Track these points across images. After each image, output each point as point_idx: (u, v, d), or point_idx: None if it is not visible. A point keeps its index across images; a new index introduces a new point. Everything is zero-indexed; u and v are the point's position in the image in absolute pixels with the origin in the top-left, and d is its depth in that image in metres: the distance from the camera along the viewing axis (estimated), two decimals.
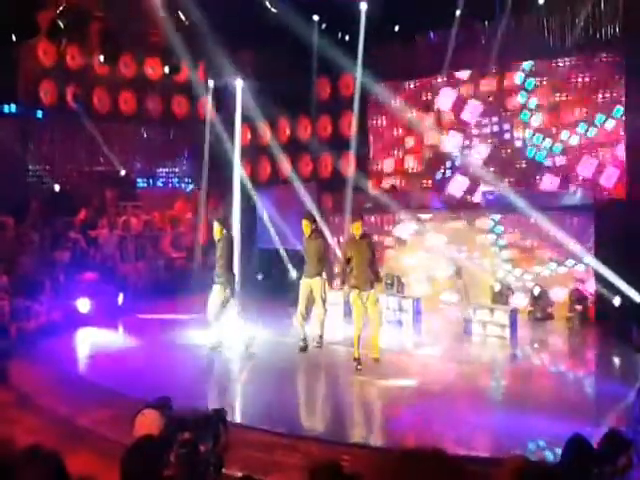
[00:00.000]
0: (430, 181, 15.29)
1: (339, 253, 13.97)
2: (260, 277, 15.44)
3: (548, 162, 13.49)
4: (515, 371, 9.75)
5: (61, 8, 13.25)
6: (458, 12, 13.64)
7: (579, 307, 11.73)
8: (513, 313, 10.92)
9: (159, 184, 17.46)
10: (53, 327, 11.29)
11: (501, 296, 12.26)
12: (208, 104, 16.12)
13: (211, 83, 16.11)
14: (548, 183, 13.44)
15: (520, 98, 13.81)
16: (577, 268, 12.12)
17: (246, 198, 15.66)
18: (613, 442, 3.83)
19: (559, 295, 12.22)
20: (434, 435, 6.94)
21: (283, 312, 11.62)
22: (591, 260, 11.68)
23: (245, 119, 15.71)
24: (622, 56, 12.45)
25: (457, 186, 14.74)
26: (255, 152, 16.78)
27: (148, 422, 3.90)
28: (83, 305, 12.10)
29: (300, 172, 15.89)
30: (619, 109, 12.52)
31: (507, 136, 14.12)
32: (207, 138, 15.78)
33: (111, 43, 14.76)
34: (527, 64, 13.73)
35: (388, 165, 16.07)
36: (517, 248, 12.85)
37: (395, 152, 15.94)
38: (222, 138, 15.57)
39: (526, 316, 11.96)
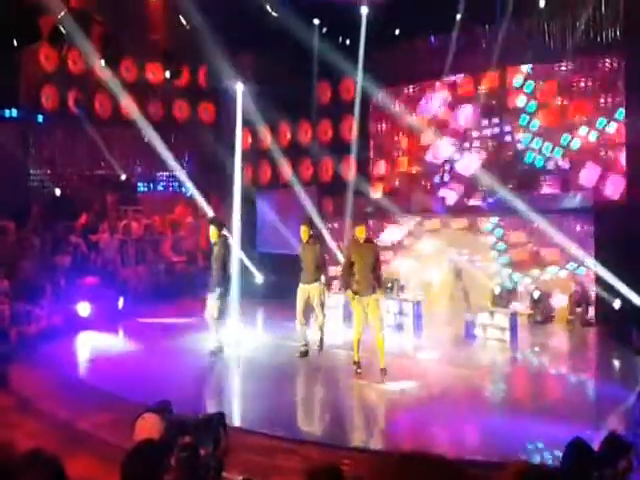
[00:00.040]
0: (430, 184, 15.30)
1: (340, 257, 14.01)
2: (260, 281, 15.44)
3: (548, 166, 13.49)
4: (515, 374, 9.76)
5: (62, 13, 13.27)
6: (459, 16, 13.66)
7: (579, 310, 11.74)
8: (513, 316, 10.92)
9: (160, 188, 17.49)
10: (54, 331, 11.30)
11: (501, 299, 12.26)
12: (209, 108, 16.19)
13: (212, 87, 16.16)
14: (548, 187, 13.43)
15: (520, 102, 13.82)
16: (577, 271, 12.12)
17: (246, 202, 15.68)
18: (613, 445, 3.83)
19: (559, 298, 12.22)
20: (434, 438, 6.94)
21: (283, 316, 11.61)
22: (591, 263, 11.68)
23: (246, 123, 15.74)
24: (623, 59, 12.45)
25: (456, 189, 14.75)
26: (256, 156, 16.80)
27: (148, 426, 3.90)
28: (84, 309, 12.11)
29: (301, 176, 15.91)
30: (621, 112, 12.50)
31: (507, 139, 14.12)
32: (208, 142, 15.80)
33: (112, 48, 14.80)
34: (528, 67, 13.74)
35: (388, 169, 16.08)
36: (517, 251, 12.86)
37: (395, 156, 15.96)
38: (223, 142, 15.60)
39: (526, 319, 11.96)
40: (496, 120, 14.25)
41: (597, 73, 12.93)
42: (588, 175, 12.89)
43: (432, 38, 15.01)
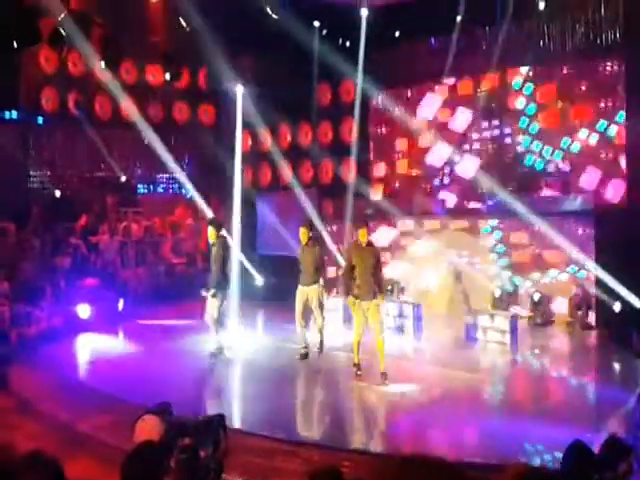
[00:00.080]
0: (430, 187, 15.30)
1: (340, 259, 14.01)
2: (260, 283, 15.43)
3: (548, 168, 13.49)
4: (515, 377, 9.76)
5: (63, 15, 13.28)
6: (459, 18, 13.68)
7: (579, 313, 11.73)
8: (513, 319, 10.91)
9: (160, 190, 17.49)
10: (54, 333, 11.29)
11: (501, 302, 12.25)
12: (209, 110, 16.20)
13: (212, 89, 16.17)
14: (548, 189, 13.43)
15: (520, 104, 13.83)
16: (577, 274, 12.12)
17: (247, 204, 15.67)
18: (613, 448, 3.82)
19: (559, 301, 12.21)
20: (434, 441, 6.94)
21: (283, 318, 11.61)
22: (591, 266, 11.68)
23: (246, 125, 15.74)
24: (623, 61, 12.45)
25: (456, 192, 14.76)
26: (256, 158, 16.79)
27: (148, 428, 3.90)
28: (83, 311, 12.11)
29: (301, 178, 15.91)
30: (621, 114, 12.49)
31: (507, 141, 14.14)
32: (208, 144, 15.80)
33: (112, 50, 14.80)
34: (527, 69, 13.75)
35: (388, 171, 16.09)
36: (517, 253, 12.85)
37: (395, 158, 15.97)
38: (223, 144, 15.61)
39: (526, 322, 11.96)
40: (496, 122, 14.26)
41: (597, 75, 12.93)
42: (589, 179, 12.89)
43: (432, 40, 15.04)
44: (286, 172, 15.92)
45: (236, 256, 13.99)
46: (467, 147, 14.71)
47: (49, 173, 15.34)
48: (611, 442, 3.89)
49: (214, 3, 13.60)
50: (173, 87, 16.22)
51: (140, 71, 15.51)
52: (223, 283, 9.82)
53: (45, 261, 13.00)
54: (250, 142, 16.77)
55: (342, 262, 13.75)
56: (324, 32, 15.22)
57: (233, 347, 10.22)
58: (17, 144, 14.59)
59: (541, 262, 12.58)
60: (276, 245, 15.15)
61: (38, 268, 12.53)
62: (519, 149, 13.91)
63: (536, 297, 12.24)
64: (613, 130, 12.64)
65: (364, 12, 14.42)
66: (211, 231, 9.89)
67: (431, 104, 15.28)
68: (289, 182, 15.66)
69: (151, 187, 17.31)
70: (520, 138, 13.88)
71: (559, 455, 3.84)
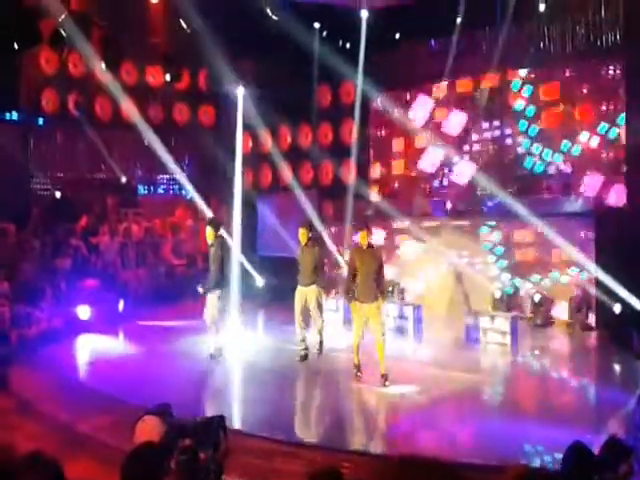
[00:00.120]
0: (429, 188, 15.29)
1: (340, 260, 14.01)
2: (261, 284, 15.44)
3: (549, 170, 13.48)
4: (516, 378, 9.74)
5: (63, 16, 13.30)
6: (459, 19, 13.68)
7: (580, 314, 11.73)
8: (514, 320, 10.90)
9: (160, 191, 17.50)
10: (54, 334, 11.29)
11: (502, 303, 12.25)
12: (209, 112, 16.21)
13: (212, 91, 16.18)
14: (549, 191, 13.42)
15: (519, 106, 13.82)
16: (578, 275, 12.11)
17: (247, 205, 15.68)
18: (614, 449, 3.82)
19: (560, 302, 12.21)
20: (434, 442, 6.93)
21: (283, 319, 11.60)
22: (592, 267, 11.67)
23: (246, 127, 15.75)
24: (623, 62, 12.44)
25: (456, 193, 14.75)
26: (256, 160, 16.82)
27: (148, 429, 3.90)
28: (84, 312, 12.11)
29: (301, 179, 15.93)
30: (622, 117, 12.46)
31: (508, 142, 14.12)
32: (208, 145, 15.82)
33: (113, 51, 14.82)
34: (527, 71, 13.74)
35: (388, 172, 16.09)
36: (518, 255, 12.85)
37: (395, 159, 15.97)
38: (223, 145, 15.62)
39: (526, 323, 11.95)
40: (497, 123, 14.25)
41: (598, 78, 12.90)
42: (590, 183, 12.82)
43: (432, 42, 15.04)
44: (286, 173, 15.94)
45: (236, 257, 13.99)
46: (467, 148, 14.69)
47: (49, 174, 15.35)
48: (611, 443, 3.89)
49: (214, 4, 13.61)
50: (173, 88, 16.24)
51: (140, 72, 15.54)
52: (222, 283, 9.82)
53: (45, 262, 13.00)
54: (250, 143, 16.79)
55: (342, 263, 13.78)
56: (324, 34, 15.25)
57: (233, 348, 10.22)
58: (17, 145, 14.61)
59: (541, 264, 12.58)
60: (276, 246, 15.16)
61: (38, 269, 12.54)
62: (519, 150, 13.90)
63: (537, 298, 12.24)
64: (614, 133, 12.60)
65: (364, 14, 14.44)
66: (209, 231, 9.86)
67: (431, 105, 15.24)
68: (289, 183, 15.68)
69: (151, 188, 17.33)
70: (520, 139, 13.86)
71: (559, 456, 3.84)
